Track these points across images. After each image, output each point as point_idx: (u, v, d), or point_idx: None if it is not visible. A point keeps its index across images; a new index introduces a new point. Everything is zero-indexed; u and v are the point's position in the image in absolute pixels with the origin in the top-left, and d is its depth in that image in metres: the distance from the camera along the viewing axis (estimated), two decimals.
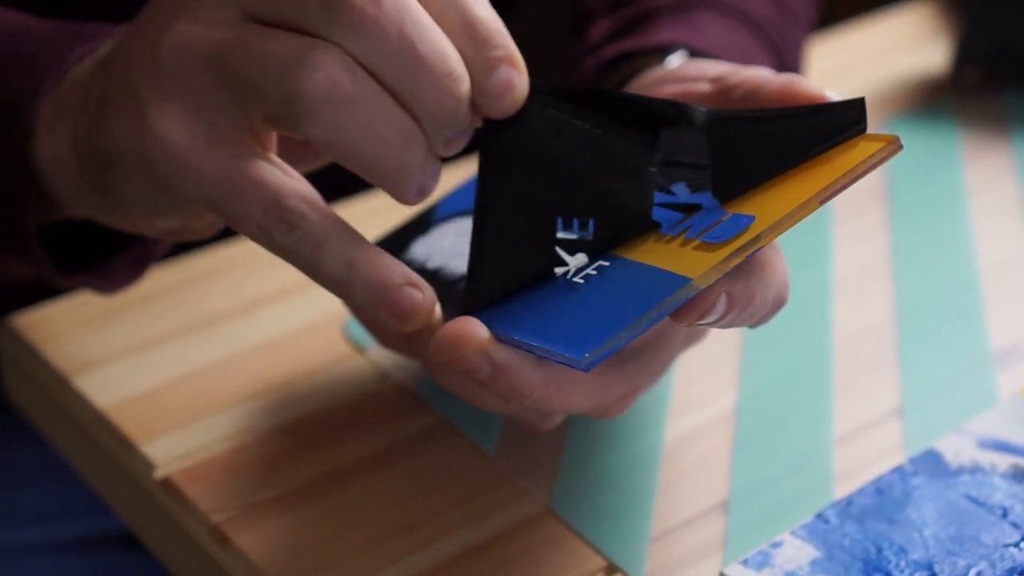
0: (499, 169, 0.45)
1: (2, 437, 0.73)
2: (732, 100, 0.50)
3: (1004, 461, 0.53)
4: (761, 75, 0.50)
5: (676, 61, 0.60)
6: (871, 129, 0.75)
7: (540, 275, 0.46)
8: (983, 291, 0.63)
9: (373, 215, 0.67)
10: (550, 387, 0.45)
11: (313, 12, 0.42)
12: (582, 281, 0.45)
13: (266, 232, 0.43)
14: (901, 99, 0.78)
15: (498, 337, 0.44)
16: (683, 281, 0.42)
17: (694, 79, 0.53)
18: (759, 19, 0.66)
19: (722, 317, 0.44)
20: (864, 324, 0.62)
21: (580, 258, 0.46)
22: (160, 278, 0.63)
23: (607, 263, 0.45)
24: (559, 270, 0.46)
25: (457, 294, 0.51)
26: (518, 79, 0.44)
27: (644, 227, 0.46)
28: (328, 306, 0.61)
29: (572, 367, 0.42)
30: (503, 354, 0.44)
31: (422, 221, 0.57)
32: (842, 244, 0.66)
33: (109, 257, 0.55)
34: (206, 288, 0.62)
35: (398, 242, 0.57)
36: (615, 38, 0.65)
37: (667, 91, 0.53)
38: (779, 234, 0.43)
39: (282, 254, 0.43)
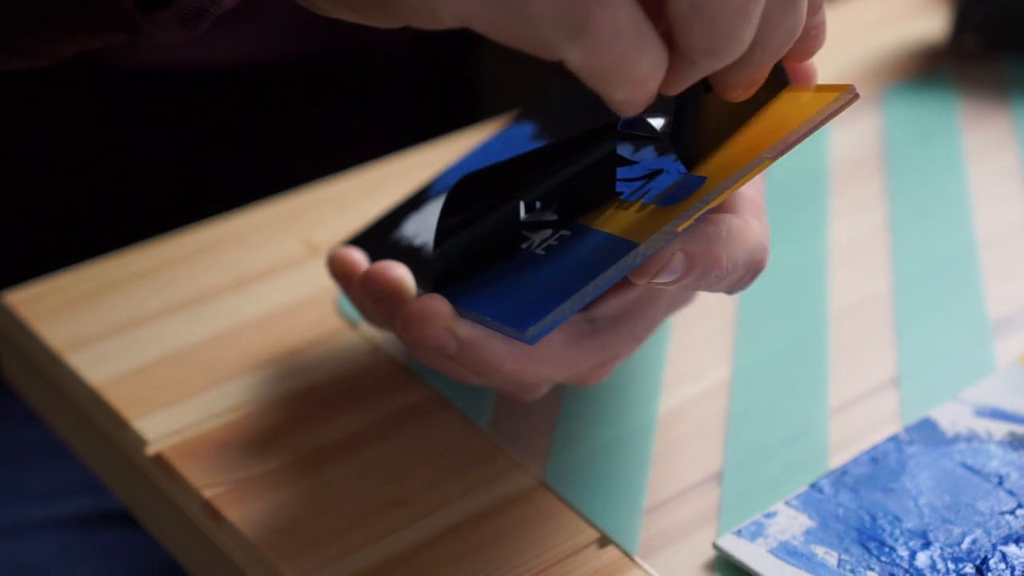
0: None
1: (2, 416, 0.73)
2: None
3: (1000, 429, 0.53)
4: None
5: None
6: (868, 97, 0.74)
7: (505, 248, 0.46)
8: (981, 259, 0.63)
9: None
10: (520, 360, 0.45)
11: None
12: (543, 252, 0.45)
13: (568, 21, 0.36)
14: (900, 67, 0.77)
15: (460, 312, 0.44)
16: (629, 247, 0.42)
17: None
18: None
19: (683, 277, 0.43)
20: (861, 294, 0.61)
21: (544, 232, 0.46)
22: (152, 255, 0.63)
23: (568, 232, 0.45)
24: (524, 244, 0.46)
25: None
26: None
27: (607, 197, 0.46)
28: (320, 281, 0.61)
29: (520, 340, 0.42)
30: (467, 330, 0.44)
31: (418, 198, 0.57)
32: (839, 213, 0.66)
33: (156, 9, 0.49)
34: (198, 264, 0.62)
35: (393, 220, 0.57)
36: None
37: None
38: (730, 192, 0.42)
39: (583, 54, 0.37)
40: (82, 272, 0.62)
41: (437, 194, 0.57)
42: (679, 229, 0.42)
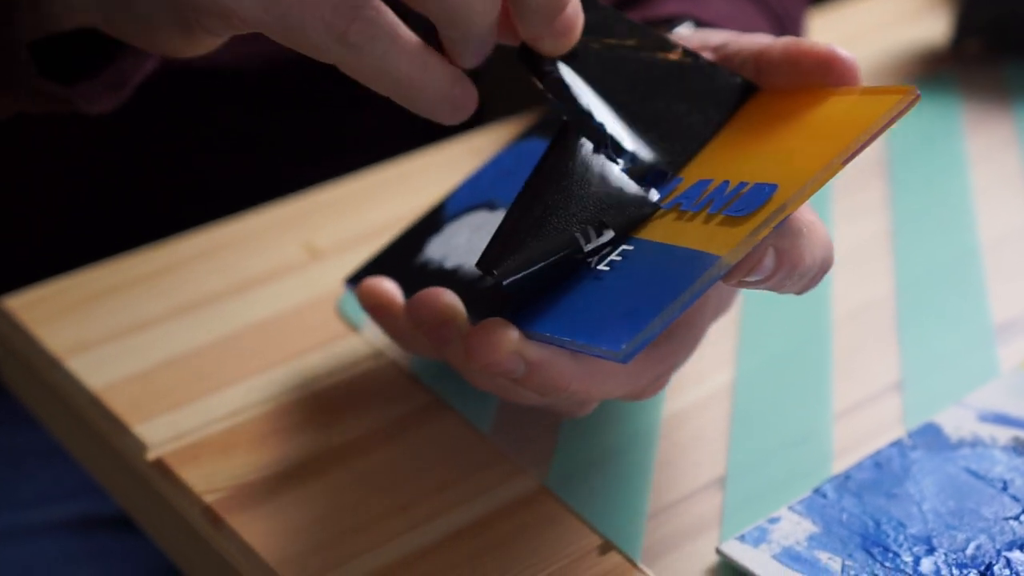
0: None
1: (1, 419, 0.73)
2: (735, 67, 0.50)
3: (1004, 434, 0.53)
4: (762, 40, 0.50)
5: (684, 32, 0.59)
6: None
7: (563, 266, 0.45)
8: (984, 263, 0.63)
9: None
10: (585, 379, 0.45)
11: None
12: (607, 268, 0.44)
13: (333, 30, 0.43)
14: (902, 70, 0.77)
15: (528, 334, 0.44)
16: (712, 259, 0.41)
17: (698, 49, 0.52)
18: None
19: (772, 275, 0.43)
20: (864, 298, 0.61)
21: (603, 248, 0.45)
22: (152, 259, 0.62)
23: (630, 247, 0.45)
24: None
25: (479, 293, 0.50)
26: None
27: (651, 212, 0.46)
28: (322, 286, 0.61)
29: (610, 360, 0.41)
30: (536, 352, 0.43)
31: (433, 219, 0.57)
32: (842, 217, 0.66)
33: (85, 80, 0.54)
34: (199, 269, 0.62)
35: (410, 243, 0.56)
36: (620, 9, 0.65)
37: None
38: (805, 200, 0.42)
39: (349, 56, 0.43)
40: (82, 276, 0.61)
41: (455, 214, 0.56)
42: (759, 238, 0.41)
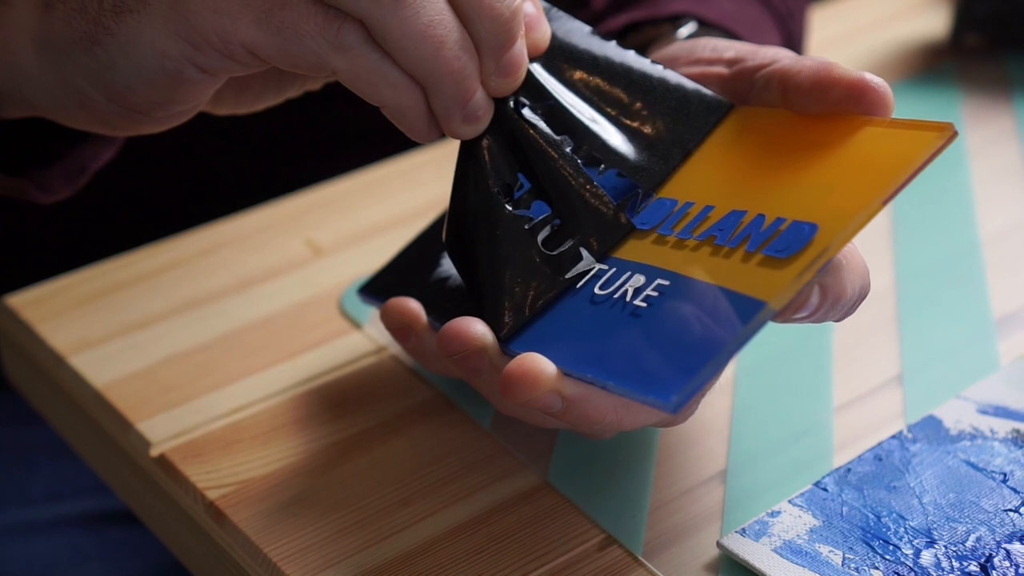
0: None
1: (8, 416, 0.73)
2: (755, 85, 0.49)
3: (1004, 426, 0.53)
4: (783, 58, 0.49)
5: (686, 32, 0.59)
6: None
7: (559, 283, 0.46)
8: (984, 256, 0.63)
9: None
10: (620, 411, 0.45)
11: None
12: (644, 304, 0.44)
13: (326, 32, 0.44)
14: (902, 64, 0.77)
15: (567, 372, 0.44)
16: (758, 306, 0.41)
17: (710, 62, 0.52)
18: None
19: (815, 311, 0.43)
20: None
21: (632, 278, 0.45)
22: (155, 256, 0.63)
23: (666, 282, 0.45)
24: (601, 286, 0.46)
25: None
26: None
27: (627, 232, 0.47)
28: (324, 282, 0.61)
29: (661, 409, 0.41)
30: (574, 389, 0.44)
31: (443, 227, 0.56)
32: None
33: (43, 167, 0.54)
34: (201, 266, 0.62)
35: (425, 254, 0.55)
36: (622, 7, 0.65)
37: (683, 72, 0.52)
38: (847, 242, 0.42)
39: (346, 61, 0.44)
40: (85, 274, 0.62)
41: None
42: (804, 282, 0.42)
